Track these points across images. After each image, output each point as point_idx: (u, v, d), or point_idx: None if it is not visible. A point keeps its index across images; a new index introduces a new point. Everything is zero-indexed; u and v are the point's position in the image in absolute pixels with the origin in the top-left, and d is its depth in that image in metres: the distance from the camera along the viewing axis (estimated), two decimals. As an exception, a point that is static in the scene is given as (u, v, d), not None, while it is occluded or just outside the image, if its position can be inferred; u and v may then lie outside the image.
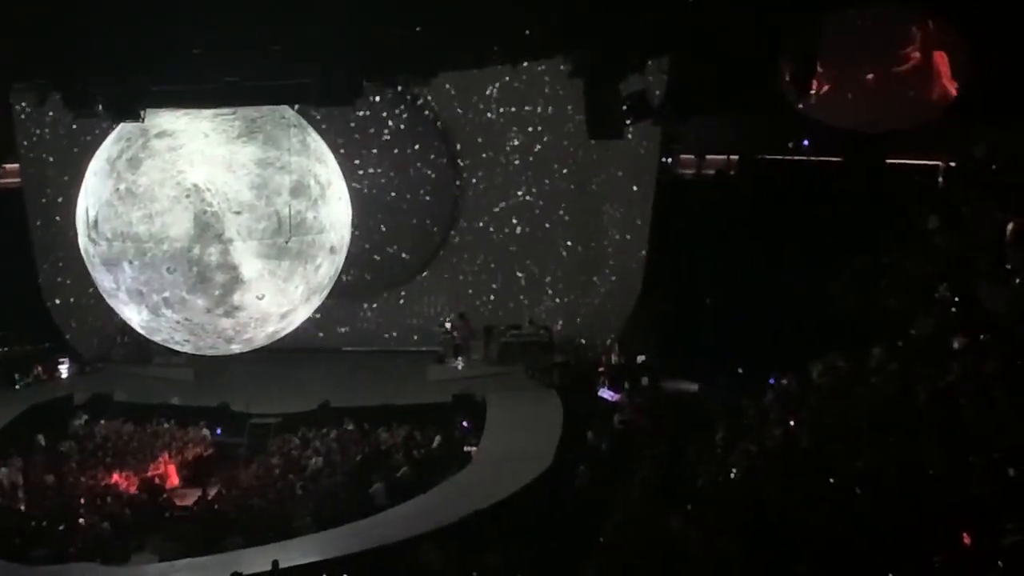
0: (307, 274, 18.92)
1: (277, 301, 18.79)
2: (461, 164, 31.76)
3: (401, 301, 33.00)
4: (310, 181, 18.73)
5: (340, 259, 19.91)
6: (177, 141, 18.00)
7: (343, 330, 32.87)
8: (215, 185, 17.85)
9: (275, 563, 18.59)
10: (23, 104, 28.58)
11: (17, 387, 30.10)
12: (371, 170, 30.79)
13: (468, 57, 19.16)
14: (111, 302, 19.55)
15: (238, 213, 17.86)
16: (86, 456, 26.04)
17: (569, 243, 31.53)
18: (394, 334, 33.15)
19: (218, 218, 17.79)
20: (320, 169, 19.17)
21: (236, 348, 19.76)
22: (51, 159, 30.33)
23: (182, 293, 18.10)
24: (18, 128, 30.32)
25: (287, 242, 18.24)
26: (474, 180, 31.86)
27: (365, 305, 32.87)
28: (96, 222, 18.34)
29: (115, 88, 16.21)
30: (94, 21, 14.85)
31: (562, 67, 19.22)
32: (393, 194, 31.27)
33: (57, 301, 31.57)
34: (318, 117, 25.39)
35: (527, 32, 17.03)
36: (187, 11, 14.65)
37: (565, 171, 30.96)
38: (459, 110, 31.30)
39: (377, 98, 25.51)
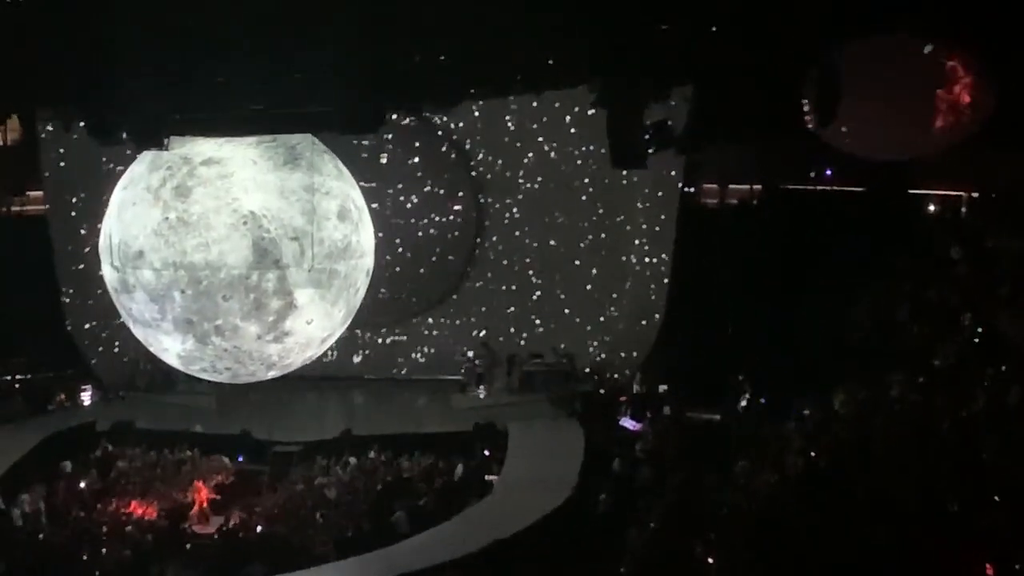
0: (349, 298, 18.96)
1: (323, 325, 18.80)
2: (483, 192, 31.82)
3: (423, 329, 32.99)
4: (350, 206, 18.79)
5: (368, 283, 19.99)
6: (226, 169, 17.89)
7: (365, 357, 32.86)
8: (271, 211, 17.85)
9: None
10: (48, 130, 28.80)
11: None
12: (392, 196, 30.85)
13: (491, 86, 19.20)
14: (144, 332, 19.13)
15: (294, 239, 17.88)
16: (108, 484, 26.04)
17: (591, 272, 31.55)
18: (416, 362, 33.13)
19: (275, 244, 17.76)
20: (355, 194, 19.25)
21: (272, 374, 19.69)
22: (76, 186, 30.30)
23: (236, 320, 18.01)
24: (42, 155, 30.38)
25: (310, 269, 18.20)
26: (496, 208, 31.90)
27: (386, 332, 32.87)
28: (141, 252, 18.12)
29: (139, 116, 16.28)
30: (118, 49, 14.96)
31: (582, 99, 19.12)
32: (414, 220, 31.34)
33: (81, 327, 31.52)
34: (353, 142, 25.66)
35: (550, 61, 17.07)
36: (211, 39, 14.73)
37: (587, 199, 31.01)
38: (481, 137, 31.38)
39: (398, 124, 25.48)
